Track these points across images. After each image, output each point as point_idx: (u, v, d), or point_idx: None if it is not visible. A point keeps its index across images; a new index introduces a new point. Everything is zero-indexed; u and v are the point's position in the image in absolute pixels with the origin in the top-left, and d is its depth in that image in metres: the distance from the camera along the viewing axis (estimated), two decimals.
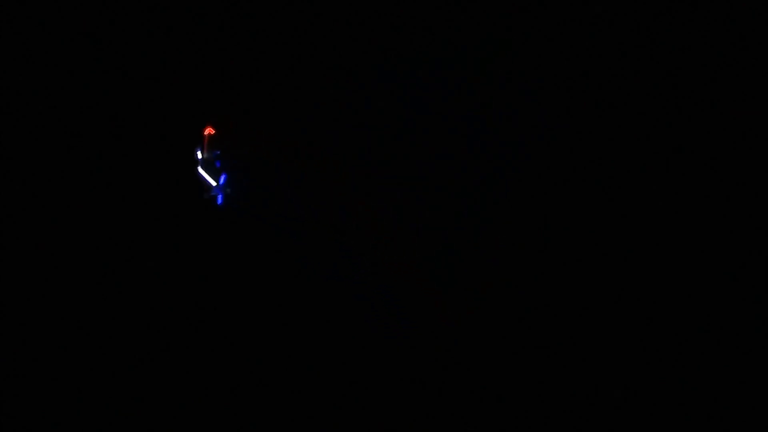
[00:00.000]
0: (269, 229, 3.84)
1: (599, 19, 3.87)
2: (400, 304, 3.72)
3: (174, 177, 3.91)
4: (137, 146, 3.91)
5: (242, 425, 3.58)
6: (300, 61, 3.98)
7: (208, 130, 3.77)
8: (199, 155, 3.77)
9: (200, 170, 3.76)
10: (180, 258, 3.81)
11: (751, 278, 3.56)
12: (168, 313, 3.73)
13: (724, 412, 3.41)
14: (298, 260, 3.79)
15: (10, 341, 3.64)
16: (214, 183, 3.75)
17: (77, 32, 3.91)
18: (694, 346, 3.51)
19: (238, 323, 3.73)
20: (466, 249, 3.79)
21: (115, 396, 3.59)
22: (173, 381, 3.63)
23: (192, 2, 3.96)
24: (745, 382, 3.43)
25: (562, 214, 3.77)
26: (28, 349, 3.63)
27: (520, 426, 3.52)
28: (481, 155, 3.89)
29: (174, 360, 3.66)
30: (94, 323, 3.69)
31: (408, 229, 3.84)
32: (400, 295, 3.74)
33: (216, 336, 3.70)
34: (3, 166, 3.82)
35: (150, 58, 3.94)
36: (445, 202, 3.86)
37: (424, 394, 3.58)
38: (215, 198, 3.73)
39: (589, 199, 3.77)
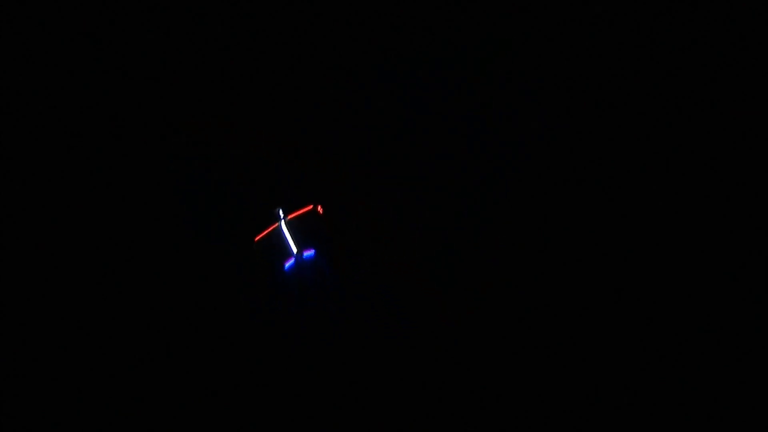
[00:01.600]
0: (269, 230, 3.85)
1: (599, 19, 3.88)
2: (400, 304, 3.72)
3: (173, 177, 3.91)
4: (137, 146, 3.91)
5: (242, 425, 3.58)
6: (300, 61, 3.99)
7: (319, 209, 3.76)
8: (281, 213, 3.73)
9: (283, 228, 3.73)
10: (179, 258, 3.81)
11: (751, 278, 3.56)
12: (168, 313, 3.73)
13: (724, 412, 3.41)
14: (298, 259, 3.79)
15: (10, 341, 3.64)
16: (295, 249, 3.72)
17: (77, 32, 3.92)
18: (694, 346, 3.51)
19: (238, 323, 3.73)
20: (466, 249, 3.80)
21: (114, 396, 3.59)
22: (173, 381, 3.63)
23: (192, 2, 3.96)
24: (745, 382, 3.43)
25: (562, 214, 3.77)
26: (28, 349, 3.63)
27: (520, 426, 3.52)
28: (481, 155, 3.89)
29: (174, 360, 3.66)
30: (94, 323, 3.69)
31: (408, 229, 3.85)
32: (400, 295, 3.74)
33: (215, 336, 3.70)
34: (3, 166, 3.82)
35: (150, 58, 3.95)
36: (445, 202, 3.86)
37: (424, 394, 3.58)
38: (284, 261, 3.73)
39: (589, 199, 3.77)
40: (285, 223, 3.71)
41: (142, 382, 3.61)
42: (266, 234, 3.72)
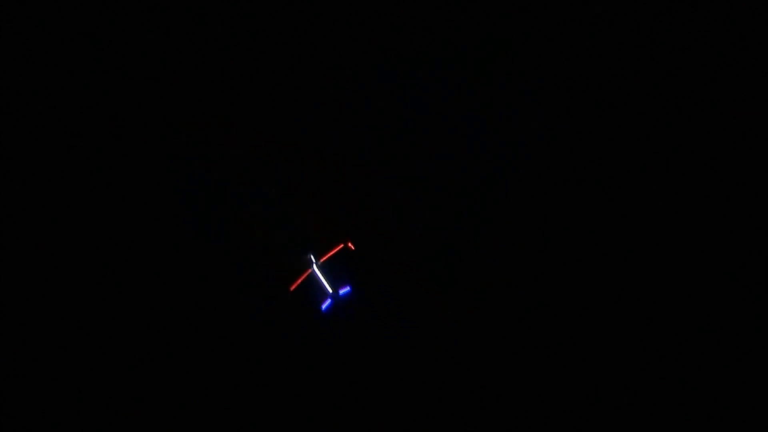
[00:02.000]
0: (270, 228, 3.84)
1: (599, 19, 3.87)
2: (400, 304, 3.72)
3: (173, 177, 3.91)
4: (137, 146, 3.91)
5: (242, 425, 3.58)
6: (300, 61, 3.98)
7: (349, 245, 3.76)
8: (313, 258, 3.74)
9: (316, 271, 3.73)
10: (179, 258, 3.81)
11: (751, 278, 3.56)
12: (168, 313, 3.72)
13: (724, 412, 3.41)
14: (298, 259, 3.79)
15: (10, 341, 3.64)
16: (330, 289, 3.72)
17: (77, 32, 3.91)
18: (694, 346, 3.51)
19: (238, 323, 3.73)
20: (466, 249, 3.79)
21: (115, 396, 3.59)
22: (173, 381, 3.63)
23: (192, 2, 3.96)
24: (746, 382, 3.43)
25: (562, 214, 3.77)
26: (28, 349, 3.63)
27: (520, 426, 3.52)
28: (481, 155, 3.89)
29: (174, 360, 3.66)
30: (95, 323, 3.69)
31: (408, 229, 3.84)
32: (399, 295, 3.74)
33: (215, 337, 3.70)
34: (3, 166, 3.82)
35: (150, 58, 3.94)
36: (445, 202, 3.86)
37: (424, 394, 3.58)
38: (321, 302, 3.71)
39: (589, 199, 3.77)
40: (317, 267, 3.73)
41: (142, 382, 3.61)
42: (301, 281, 3.73)
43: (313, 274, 3.72)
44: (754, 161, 3.68)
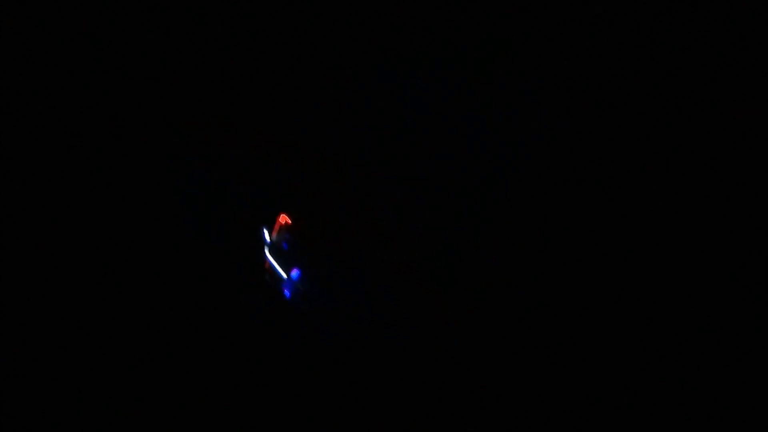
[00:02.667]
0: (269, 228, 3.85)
1: (599, 19, 3.87)
2: (399, 304, 3.72)
3: (173, 177, 3.91)
4: (137, 146, 3.91)
5: (242, 425, 3.58)
6: (300, 61, 3.99)
7: (283, 219, 3.61)
8: (267, 238, 3.57)
9: (269, 257, 3.56)
10: (179, 258, 3.81)
11: (751, 278, 3.56)
12: (168, 313, 3.73)
13: (724, 412, 3.41)
14: (298, 259, 3.79)
15: (10, 341, 3.64)
16: (284, 275, 3.56)
17: (77, 32, 3.91)
18: (694, 346, 3.51)
19: (238, 323, 3.73)
20: (466, 249, 3.79)
21: (115, 396, 3.59)
22: (173, 381, 3.63)
23: (192, 2, 3.96)
24: (746, 382, 3.43)
25: (562, 214, 3.77)
26: (28, 349, 3.63)
27: (520, 426, 3.51)
28: (481, 155, 3.89)
29: (174, 360, 3.66)
30: (95, 323, 3.69)
31: (408, 229, 3.84)
32: (399, 295, 3.73)
33: (215, 337, 3.70)
34: (3, 166, 3.82)
35: (150, 58, 3.95)
36: (445, 202, 3.86)
37: (424, 394, 3.58)
38: (281, 289, 3.57)
39: (589, 199, 3.77)
40: (268, 249, 3.58)
41: (142, 382, 3.61)
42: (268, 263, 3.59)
43: (268, 260, 3.55)
44: (754, 161, 3.68)
